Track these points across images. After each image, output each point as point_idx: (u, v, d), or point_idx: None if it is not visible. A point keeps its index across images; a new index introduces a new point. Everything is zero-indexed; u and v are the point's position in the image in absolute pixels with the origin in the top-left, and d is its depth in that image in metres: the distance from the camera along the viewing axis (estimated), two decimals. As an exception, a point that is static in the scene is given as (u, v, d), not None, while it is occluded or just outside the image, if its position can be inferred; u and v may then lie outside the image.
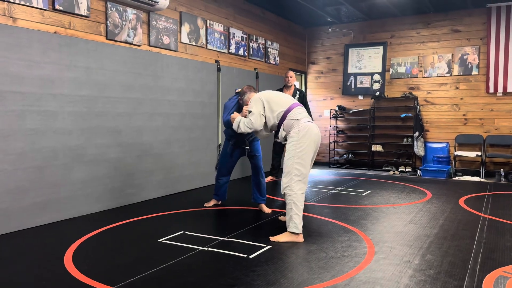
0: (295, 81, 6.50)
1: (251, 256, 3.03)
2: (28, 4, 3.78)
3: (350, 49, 8.76)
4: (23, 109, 3.74)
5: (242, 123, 3.65)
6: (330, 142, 8.97)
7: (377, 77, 8.50)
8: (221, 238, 3.46)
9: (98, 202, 4.46)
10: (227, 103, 4.36)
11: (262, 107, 3.61)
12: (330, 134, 8.95)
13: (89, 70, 4.32)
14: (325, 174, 7.53)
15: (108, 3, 4.54)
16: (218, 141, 6.35)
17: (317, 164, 9.13)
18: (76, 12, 4.20)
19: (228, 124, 4.16)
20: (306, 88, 9.28)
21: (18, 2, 3.70)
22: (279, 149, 6.58)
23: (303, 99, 6.45)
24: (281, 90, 6.56)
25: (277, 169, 6.68)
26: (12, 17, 3.69)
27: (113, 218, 4.13)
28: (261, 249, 3.19)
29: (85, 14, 4.30)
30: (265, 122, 3.65)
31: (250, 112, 3.61)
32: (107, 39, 4.58)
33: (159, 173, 5.25)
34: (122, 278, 2.62)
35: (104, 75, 4.49)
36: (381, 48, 8.46)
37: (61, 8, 4.06)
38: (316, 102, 9.19)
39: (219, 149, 6.36)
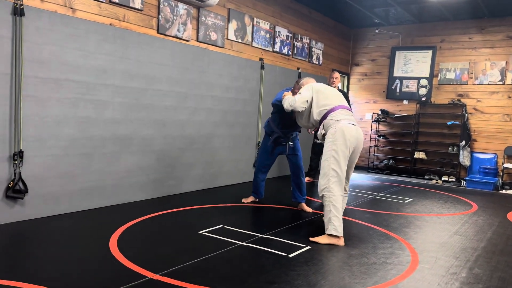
0: (339, 83, 6.40)
1: (290, 255, 3.01)
2: (87, -4, 3.93)
3: (397, 52, 8.53)
4: (77, 97, 3.89)
5: (287, 101, 3.78)
6: (370, 146, 8.78)
7: (424, 82, 8.23)
8: (260, 235, 3.46)
9: (142, 191, 4.57)
10: (279, 92, 4.44)
11: (311, 95, 3.68)
12: (370, 138, 8.76)
13: (140, 62, 4.43)
14: (364, 179, 7.38)
15: (161, -3, 4.65)
16: (258, 138, 6.37)
17: (356, 168, 8.95)
18: (131, 5, 4.33)
19: (275, 105, 4.34)
20: (348, 90, 9.13)
21: (78, -6, 3.85)
22: (318, 150, 6.48)
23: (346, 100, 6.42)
24: None
25: (314, 170, 6.62)
26: (72, 8, 3.84)
27: (155, 207, 4.22)
28: (300, 249, 3.16)
29: (139, 8, 4.42)
30: (309, 115, 3.67)
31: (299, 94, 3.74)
32: (158, 33, 4.68)
33: (199, 167, 5.32)
34: (165, 267, 2.67)
35: (153, 68, 4.59)
36: (430, 52, 8.18)
37: (117, 1, 4.19)
38: (358, 105, 9.03)
39: (258, 147, 6.37)
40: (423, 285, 2.62)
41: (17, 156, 3.45)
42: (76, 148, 3.91)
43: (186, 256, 2.89)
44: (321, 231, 3.57)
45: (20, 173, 3.48)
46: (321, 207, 4.65)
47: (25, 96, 3.49)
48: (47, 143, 3.69)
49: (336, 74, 6.34)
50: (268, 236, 3.45)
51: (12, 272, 2.51)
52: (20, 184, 3.48)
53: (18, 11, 3.37)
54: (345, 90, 9.12)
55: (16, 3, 3.37)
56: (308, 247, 3.22)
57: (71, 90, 3.83)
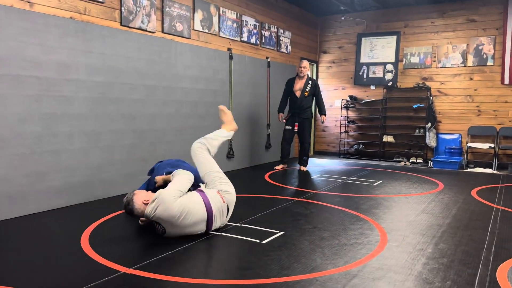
0: (308, 71, 6.44)
1: (264, 242, 3.06)
2: (44, -11, 3.80)
3: (363, 38, 8.68)
4: (40, 94, 3.78)
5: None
6: (340, 132, 8.94)
7: (390, 67, 8.42)
8: (234, 224, 3.50)
9: (113, 187, 4.51)
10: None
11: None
12: (341, 124, 8.91)
13: (104, 56, 4.34)
14: (336, 164, 7.52)
15: (123, -11, 4.55)
16: (230, 129, 6.36)
17: (327, 154, 9.13)
18: (92, -3, 4.22)
19: None
20: (317, 77, 9.23)
21: (35, -13, 3.73)
22: (289, 136, 6.56)
23: (315, 89, 6.43)
24: (293, 79, 6.53)
25: (287, 158, 6.70)
26: (29, 2, 3.71)
27: (127, 203, 4.18)
28: (273, 235, 3.21)
29: (101, 0, 4.31)
30: None
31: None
32: (121, 25, 4.59)
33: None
34: (138, 260, 2.66)
35: (119, 61, 4.51)
36: (394, 37, 8.37)
37: (77, -7, 4.07)
38: (327, 92, 9.15)
39: (230, 138, 6.37)
40: (391, 262, 2.72)
41: (-21, 156, 3.34)
42: (42, 145, 3.82)
43: (159, 248, 2.89)
44: (292, 217, 3.63)
45: (-17, 174, 3.38)
46: (293, 194, 4.74)
47: (-16, 95, 3.37)
48: (11, 142, 3.58)
49: (305, 63, 6.37)
50: (242, 225, 3.49)
51: (-20, 275, 2.45)
52: (-16, 185, 3.38)
53: (-29, 6, 3.24)
54: (315, 77, 9.21)
55: (-31, -2, 3.23)
56: (281, 233, 3.28)
57: (33, 86, 3.72)
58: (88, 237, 3.12)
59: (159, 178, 3.61)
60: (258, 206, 4.20)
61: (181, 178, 3.18)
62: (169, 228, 3.01)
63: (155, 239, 3.13)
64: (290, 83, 6.51)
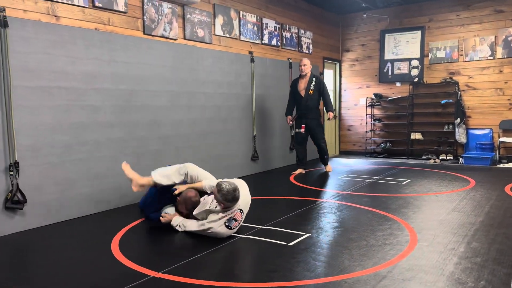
0: (309, 69, 5.96)
1: (290, 244, 3.04)
2: (69, 2, 3.93)
3: (386, 35, 8.54)
4: (68, 104, 3.90)
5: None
6: (366, 131, 8.81)
7: (415, 62, 8.25)
8: (260, 227, 3.50)
9: (140, 192, 4.59)
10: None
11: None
12: (366, 123, 8.78)
13: (128, 64, 4.44)
14: (362, 164, 7.41)
15: (144, -2, 4.65)
16: (253, 131, 6.38)
17: (353, 154, 9.01)
18: (115, 8, 4.33)
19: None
20: (340, 76, 9.14)
21: (60, 0, 3.85)
22: (300, 139, 6.19)
23: (320, 86, 5.95)
24: (297, 80, 6.11)
25: (303, 161, 6.30)
26: (55, 16, 3.84)
27: (154, 208, 4.25)
28: (300, 237, 3.19)
29: (123, 10, 4.42)
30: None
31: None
32: (144, 34, 4.69)
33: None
34: (167, 264, 2.70)
35: (143, 69, 4.60)
36: (418, 32, 8.19)
37: (100, 5, 4.19)
38: (351, 91, 9.04)
39: (254, 140, 6.40)
40: (422, 262, 2.66)
41: (13, 167, 3.47)
42: (71, 154, 3.93)
43: (187, 252, 2.92)
44: (318, 219, 3.60)
45: (17, 183, 3.50)
46: (318, 195, 4.70)
47: (16, 106, 3.50)
48: (42, 151, 3.71)
49: (305, 61, 5.91)
50: (268, 227, 3.48)
51: (17, 283, 2.54)
52: (19, 194, 3.50)
53: (1, 23, 3.38)
54: (337, 77, 9.13)
55: (-1, 15, 3.37)
56: (307, 235, 3.25)
57: (62, 97, 3.85)
58: (118, 242, 3.18)
59: (180, 187, 3.52)
60: (284, 208, 4.19)
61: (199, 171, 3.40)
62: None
63: (182, 243, 3.17)
64: (294, 83, 6.11)
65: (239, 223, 3.21)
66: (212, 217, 3.16)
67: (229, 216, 3.13)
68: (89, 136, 4.08)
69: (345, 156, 8.81)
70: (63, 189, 3.87)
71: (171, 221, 3.41)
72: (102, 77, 4.19)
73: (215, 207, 3.18)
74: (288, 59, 7.27)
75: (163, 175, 3.55)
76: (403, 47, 8.36)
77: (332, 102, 6.34)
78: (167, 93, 4.91)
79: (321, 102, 6.10)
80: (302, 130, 6.04)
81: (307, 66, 5.87)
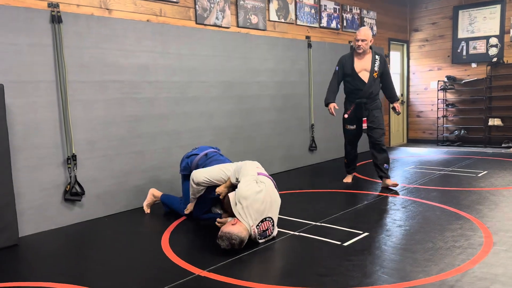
0: (369, 45, 4.39)
1: (345, 244, 2.80)
2: (121, -5, 3.93)
3: (460, 11, 7.74)
4: (123, 97, 3.93)
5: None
6: (438, 117, 8.12)
7: (493, 40, 7.40)
8: (313, 223, 3.28)
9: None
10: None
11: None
12: (438, 108, 8.09)
13: (181, 56, 4.39)
14: (433, 153, 6.83)
15: (195, -13, 4.55)
16: (311, 121, 6.11)
17: (423, 142, 8.38)
18: (166, -1, 4.28)
19: None
20: (408, 58, 8.49)
21: (112, -6, 3.87)
22: (354, 138, 4.70)
23: (383, 67, 4.47)
24: (349, 57, 4.51)
25: (354, 165, 4.89)
26: (107, 9, 3.87)
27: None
28: (356, 236, 2.93)
29: (175, 0, 4.36)
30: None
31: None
32: (196, 23, 4.61)
33: (251, 155, 5.21)
34: (213, 262, 2.59)
35: (195, 60, 4.53)
36: (498, 7, 7.32)
37: (151, -4, 4.16)
38: (420, 74, 8.37)
39: (312, 130, 6.12)
40: (498, 271, 2.29)
41: (71, 160, 3.57)
42: (126, 147, 3.98)
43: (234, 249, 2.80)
44: (379, 216, 3.31)
45: (75, 176, 3.61)
46: (380, 189, 4.36)
47: (72, 101, 3.58)
48: (98, 145, 3.78)
49: (363, 33, 4.34)
50: (322, 224, 3.25)
51: (71, 275, 2.59)
52: (77, 186, 3.61)
53: (56, 19, 3.45)
54: (405, 60, 8.49)
55: (53, 11, 3.45)
56: (365, 234, 2.98)
57: (116, 90, 3.88)
58: (169, 237, 3.15)
59: (220, 189, 3.21)
60: (341, 202, 3.92)
61: (247, 168, 3.05)
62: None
63: (231, 239, 3.05)
64: (347, 62, 4.50)
65: (272, 231, 2.93)
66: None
67: (256, 231, 2.81)
68: (143, 128, 4.10)
69: (414, 145, 8.21)
70: (119, 182, 3.93)
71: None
72: (155, 69, 4.18)
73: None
74: (349, 42, 6.85)
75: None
76: (480, 24, 7.53)
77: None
78: (219, 83, 4.81)
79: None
80: (364, 125, 4.47)
81: (366, 41, 4.34)
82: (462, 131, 7.80)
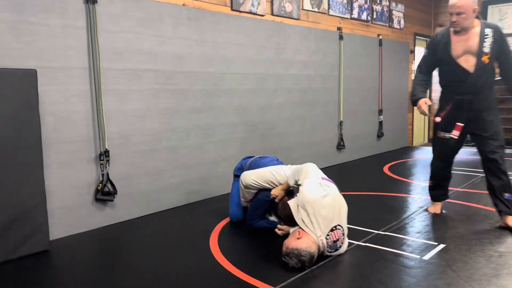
0: (469, 18, 2.91)
1: (425, 258, 2.50)
2: (157, -24, 3.58)
3: (490, 7, 7.45)
4: (157, 88, 3.59)
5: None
6: (461, 116, 7.84)
7: (525, 37, 7.12)
8: (376, 232, 2.98)
9: (228, 183, 4.25)
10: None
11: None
12: None
13: (216, 44, 4.05)
14: (463, 154, 6.55)
15: (232, -30, 4.20)
16: (340, 117, 5.81)
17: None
18: (203, -19, 3.93)
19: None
20: (431, 55, 8.19)
21: (148, -26, 3.51)
22: (450, 151, 3.28)
23: (502, 47, 2.97)
24: (445, 37, 3.05)
25: (445, 191, 3.43)
26: (144, -9, 3.52)
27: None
28: (433, 249, 2.63)
29: (211, -17, 4.01)
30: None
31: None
32: (232, 10, 4.26)
33: (282, 152, 4.88)
34: (280, 278, 2.28)
35: (230, 49, 4.19)
36: (531, 2, 7.04)
37: (188, -22, 3.81)
38: (443, 71, 8.08)
39: (340, 127, 5.82)
40: None
41: (103, 156, 3.23)
42: (160, 142, 3.65)
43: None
44: (444, 223, 3.02)
45: (107, 173, 3.27)
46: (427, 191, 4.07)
47: (105, 91, 3.24)
48: (132, 139, 3.44)
49: (454, 4, 2.87)
50: (386, 233, 2.95)
51: (108, 284, 2.26)
52: (109, 185, 3.27)
53: (90, -1, 3.10)
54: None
55: (88, -10, 3.09)
56: (442, 246, 2.68)
57: (151, 80, 3.54)
58: (217, 242, 2.83)
59: (276, 191, 2.91)
60: (392, 208, 3.61)
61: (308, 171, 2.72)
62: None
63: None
64: (439, 43, 3.08)
65: (342, 241, 2.58)
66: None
67: (325, 243, 2.47)
68: (177, 122, 3.77)
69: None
70: (152, 180, 3.60)
71: (289, 233, 2.93)
72: (190, 58, 3.84)
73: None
74: (378, 35, 6.53)
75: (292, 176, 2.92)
76: (510, 20, 7.25)
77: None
78: (254, 75, 4.48)
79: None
80: (456, 133, 3.14)
81: (465, 14, 2.88)
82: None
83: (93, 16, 3.12)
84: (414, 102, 3.19)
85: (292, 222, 2.70)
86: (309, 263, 2.37)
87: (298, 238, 2.40)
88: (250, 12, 4.45)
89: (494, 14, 7.42)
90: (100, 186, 3.23)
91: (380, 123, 6.68)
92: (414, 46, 7.65)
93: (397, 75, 7.01)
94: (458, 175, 4.81)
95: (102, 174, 3.24)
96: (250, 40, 4.41)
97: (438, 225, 3.09)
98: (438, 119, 3.16)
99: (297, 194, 2.63)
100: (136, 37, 3.41)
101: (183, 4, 3.81)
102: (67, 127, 3.04)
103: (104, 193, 3.24)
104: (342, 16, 5.79)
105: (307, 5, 5.20)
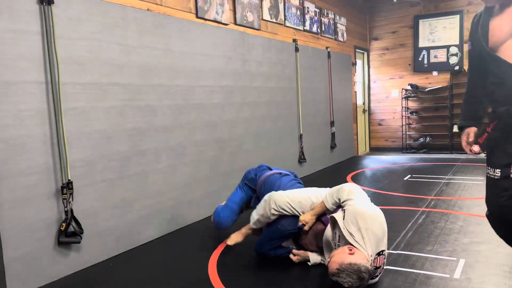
0: None
1: (456, 276, 2.34)
2: (119, -24, 3.10)
3: (421, 21, 7.92)
4: (124, 104, 3.08)
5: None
6: (402, 125, 8.20)
7: (454, 49, 7.67)
8: (388, 251, 2.78)
9: (201, 208, 3.82)
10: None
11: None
12: (402, 116, 8.17)
13: (184, 55, 3.65)
14: (410, 161, 6.78)
15: (195, -26, 3.84)
16: (300, 131, 5.65)
17: (387, 150, 8.39)
18: (168, -15, 3.52)
19: None
20: (369, 67, 8.50)
21: (109, -27, 3.02)
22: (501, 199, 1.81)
23: None
24: (485, 20, 1.85)
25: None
26: (106, -8, 3.01)
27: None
28: (456, 264, 2.49)
29: (176, -12, 3.61)
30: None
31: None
32: (197, 17, 3.89)
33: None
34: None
35: (197, 60, 3.81)
36: (457, 17, 7.61)
37: (152, -20, 3.37)
38: (381, 82, 8.41)
39: (301, 140, 5.66)
40: None
41: (66, 188, 2.65)
42: (128, 167, 3.12)
43: (302, 285, 2.19)
44: (448, 235, 2.92)
45: (71, 210, 2.68)
46: (406, 203, 4.02)
47: (65, 110, 2.67)
48: (97, 167, 2.89)
49: None
50: (400, 252, 2.77)
51: None
52: (74, 224, 2.69)
53: (46, -2, 2.54)
54: (365, 68, 8.48)
55: (43, -13, 2.53)
56: (462, 260, 2.56)
57: (117, 95, 3.03)
58: (218, 276, 2.41)
59: (306, 218, 2.52)
60: (403, 220, 3.45)
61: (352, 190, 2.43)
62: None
63: (292, 268, 2.41)
64: (475, 31, 1.94)
65: (381, 270, 2.32)
66: None
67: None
68: (147, 144, 3.27)
69: (378, 153, 8.18)
70: (121, 213, 3.06)
71: (306, 259, 2.59)
72: (158, 70, 3.38)
73: (338, 242, 2.29)
74: (327, 48, 6.55)
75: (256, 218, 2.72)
76: (440, 33, 7.77)
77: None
78: (222, 88, 4.13)
79: None
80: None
81: None
82: (428, 138, 7.95)
83: (49, 19, 2.56)
84: (460, 129, 2.10)
85: (318, 250, 2.42)
86: (367, 281, 2.07)
87: (350, 254, 2.09)
88: (215, 21, 4.11)
89: (425, 28, 7.90)
90: (64, 226, 2.63)
91: (333, 134, 6.67)
92: (355, 59, 7.84)
93: (342, 86, 7.09)
94: (417, 182, 4.88)
95: (66, 211, 2.65)
96: (217, 50, 4.06)
97: (441, 237, 2.99)
98: (476, 148, 1.97)
99: (338, 211, 2.35)
100: (99, 45, 2.90)
101: (148, 9, 3.36)
102: (21, 156, 2.43)
103: (69, 234, 2.65)
104: (296, 27, 5.68)
105: (266, 16, 4.99)
